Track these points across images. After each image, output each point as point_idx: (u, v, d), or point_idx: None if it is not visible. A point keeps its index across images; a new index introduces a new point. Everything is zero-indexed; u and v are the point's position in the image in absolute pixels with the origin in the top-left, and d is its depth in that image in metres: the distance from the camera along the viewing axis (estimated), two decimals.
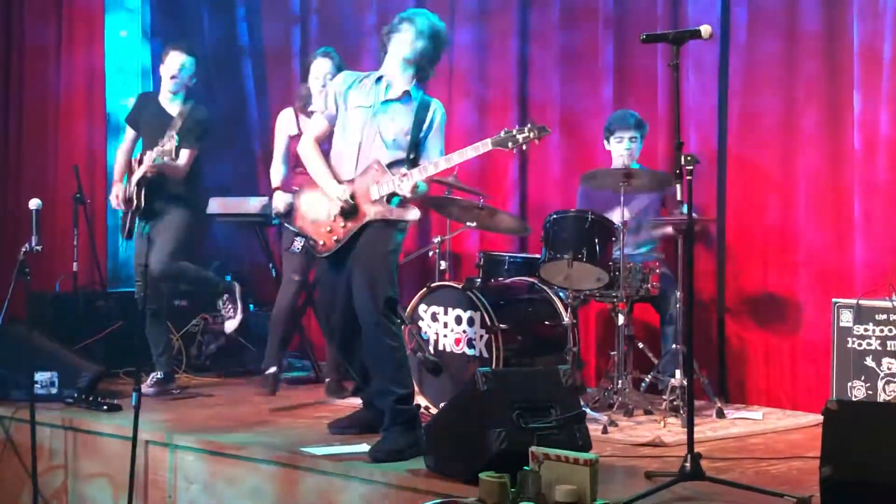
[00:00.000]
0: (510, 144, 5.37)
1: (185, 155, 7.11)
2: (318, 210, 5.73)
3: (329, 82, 6.32)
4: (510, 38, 7.97)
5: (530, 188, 7.96)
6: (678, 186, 5.03)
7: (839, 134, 6.69)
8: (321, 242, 5.73)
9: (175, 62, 7.22)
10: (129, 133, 7.42)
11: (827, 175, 6.76)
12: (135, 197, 7.09)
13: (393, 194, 5.56)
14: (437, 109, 5.74)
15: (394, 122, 5.66)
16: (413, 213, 5.69)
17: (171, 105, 7.26)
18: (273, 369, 7.24)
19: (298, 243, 5.86)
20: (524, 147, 5.39)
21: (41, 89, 9.18)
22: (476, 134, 8.00)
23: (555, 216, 6.62)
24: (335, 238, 5.68)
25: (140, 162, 7.15)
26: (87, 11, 9.10)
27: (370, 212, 5.61)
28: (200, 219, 7.59)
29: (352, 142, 5.70)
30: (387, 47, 5.72)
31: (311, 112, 6.76)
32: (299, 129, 7.05)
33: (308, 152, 5.82)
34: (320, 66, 7.05)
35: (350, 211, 5.61)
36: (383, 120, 5.66)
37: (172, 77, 7.23)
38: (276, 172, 7.23)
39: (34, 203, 6.44)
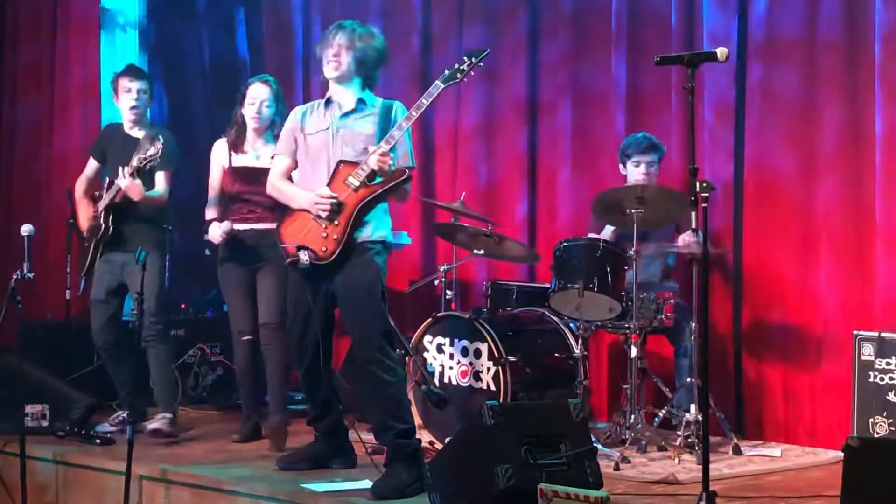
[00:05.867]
0: (459, 76, 5.55)
1: (161, 178, 6.80)
2: (309, 223, 5.64)
3: (266, 114, 6.57)
4: (519, 65, 7.87)
5: (539, 214, 7.85)
6: (693, 214, 4.95)
7: (860, 162, 6.56)
8: (323, 248, 5.59)
9: (131, 92, 6.94)
10: (91, 165, 7.10)
11: (848, 204, 6.61)
12: (102, 223, 6.77)
13: (372, 173, 5.52)
14: (398, 109, 5.71)
15: (356, 132, 5.67)
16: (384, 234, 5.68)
17: (138, 133, 6.91)
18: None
19: (305, 256, 5.67)
20: (471, 73, 5.57)
21: (34, 111, 9.06)
22: (485, 160, 7.91)
23: (565, 244, 6.53)
24: (335, 237, 5.58)
25: (108, 188, 6.83)
26: (82, 31, 8.98)
27: (356, 199, 5.56)
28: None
29: (319, 167, 5.68)
30: (323, 65, 5.73)
31: (238, 141, 6.77)
32: (230, 160, 6.80)
33: (276, 186, 5.87)
34: (257, 92, 6.79)
35: (336, 209, 5.55)
36: (346, 135, 5.67)
37: (133, 108, 6.93)
38: (211, 204, 6.86)
39: (26, 229, 6.43)
